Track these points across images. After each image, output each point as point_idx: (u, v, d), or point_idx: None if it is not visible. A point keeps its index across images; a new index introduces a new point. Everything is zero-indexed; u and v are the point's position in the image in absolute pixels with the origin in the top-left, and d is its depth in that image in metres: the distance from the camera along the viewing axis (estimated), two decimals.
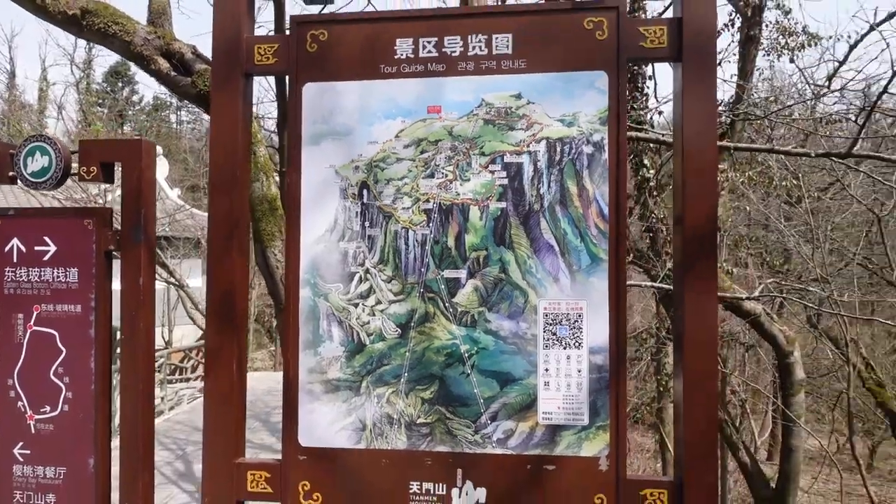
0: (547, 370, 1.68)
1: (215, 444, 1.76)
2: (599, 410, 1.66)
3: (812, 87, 6.35)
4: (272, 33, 3.32)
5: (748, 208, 7.89)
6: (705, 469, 1.62)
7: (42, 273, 1.84)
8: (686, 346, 1.65)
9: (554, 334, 1.68)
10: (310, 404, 1.75)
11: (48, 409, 1.83)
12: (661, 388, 6.92)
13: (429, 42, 1.76)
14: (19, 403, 1.83)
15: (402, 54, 1.77)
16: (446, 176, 1.74)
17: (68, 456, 1.81)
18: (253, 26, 1.89)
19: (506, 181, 1.72)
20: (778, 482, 5.52)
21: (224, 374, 1.77)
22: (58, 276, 1.83)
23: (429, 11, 1.81)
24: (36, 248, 1.84)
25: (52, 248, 1.84)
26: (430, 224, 1.74)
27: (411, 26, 1.78)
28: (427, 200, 1.74)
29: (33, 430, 1.83)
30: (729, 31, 6.91)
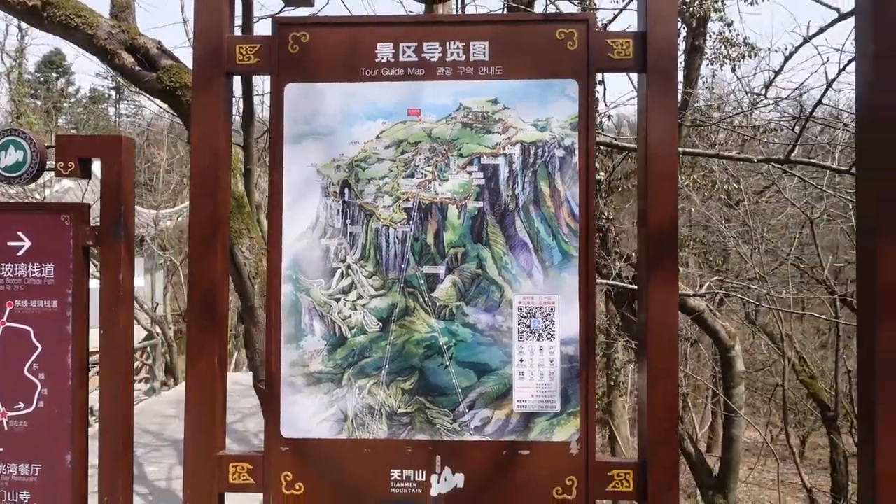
0: (521, 361, 1.77)
1: (197, 438, 1.79)
2: (570, 398, 1.77)
3: (750, 95, 6.70)
4: (239, 30, 3.31)
5: (692, 210, 8.24)
6: (667, 451, 1.75)
7: (15, 269, 1.82)
8: (650, 338, 1.76)
9: (528, 327, 1.78)
10: (292, 397, 1.80)
11: (22, 405, 1.81)
12: (612, 383, 7.18)
13: (409, 47, 1.83)
14: None
15: (382, 58, 1.83)
16: (426, 176, 1.81)
17: (44, 453, 1.80)
18: (233, 27, 1.92)
19: (483, 182, 1.81)
20: (720, 470, 5.82)
21: (206, 370, 1.80)
22: (32, 272, 1.82)
23: (409, 17, 1.88)
24: (9, 243, 1.82)
25: (27, 244, 1.82)
26: (410, 222, 1.81)
27: (392, 31, 1.84)
28: (407, 199, 1.81)
29: (6, 427, 1.81)
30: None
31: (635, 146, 5.02)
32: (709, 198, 8.77)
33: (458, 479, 1.76)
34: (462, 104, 1.82)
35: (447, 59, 1.83)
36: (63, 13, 2.81)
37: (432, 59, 1.83)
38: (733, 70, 6.97)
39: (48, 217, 1.82)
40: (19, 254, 1.82)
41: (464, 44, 1.83)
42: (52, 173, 1.86)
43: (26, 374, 1.81)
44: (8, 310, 1.81)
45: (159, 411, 9.75)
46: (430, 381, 1.78)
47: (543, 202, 1.80)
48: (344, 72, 1.83)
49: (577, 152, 1.81)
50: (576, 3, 4.72)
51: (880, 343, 1.69)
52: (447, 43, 1.83)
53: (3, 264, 1.82)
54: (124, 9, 2.96)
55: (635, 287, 5.32)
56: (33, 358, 1.81)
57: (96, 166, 1.86)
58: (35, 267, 1.82)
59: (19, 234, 1.82)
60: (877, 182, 1.73)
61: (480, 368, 1.78)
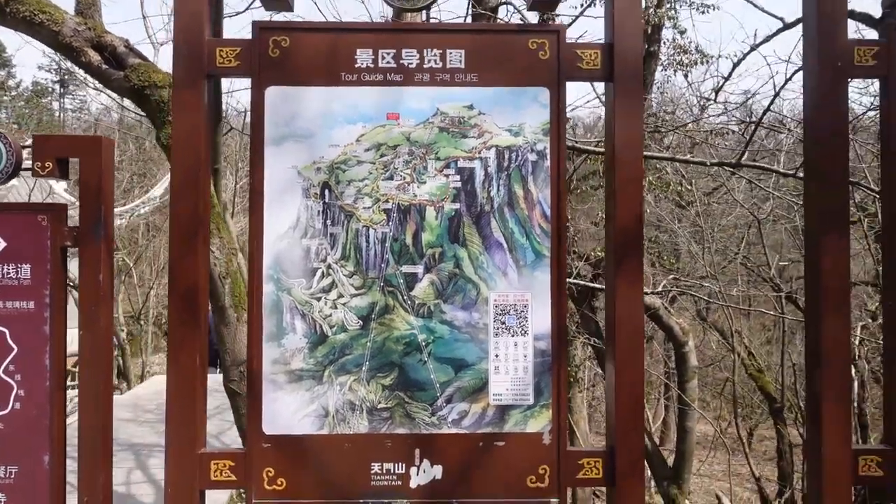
0: (497, 356, 1.85)
1: (178, 435, 1.81)
2: (543, 391, 1.86)
3: (700, 99, 6.97)
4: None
5: (647, 210, 8.50)
6: (633, 439, 1.85)
7: None
8: (617, 333, 1.87)
9: (503, 323, 1.86)
10: (273, 394, 1.84)
11: None
12: (571, 379, 7.36)
13: (387, 53, 1.89)
14: None
15: (362, 63, 1.89)
16: (404, 178, 1.88)
17: (21, 454, 1.79)
18: (212, 29, 1.94)
19: (459, 184, 1.88)
20: (675, 461, 6.04)
21: (187, 367, 1.82)
22: (8, 273, 1.81)
23: (388, 25, 1.94)
24: None
25: (1, 244, 1.81)
26: (390, 223, 1.87)
27: (371, 38, 1.90)
28: (386, 201, 1.87)
29: None
30: None
31: (593, 149, 5.18)
32: (661, 198, 9.05)
33: (437, 471, 1.83)
34: (439, 109, 1.89)
35: (425, 66, 1.89)
36: (27, 9, 2.75)
37: (410, 66, 1.89)
38: (686, 76, 7.23)
39: (24, 217, 1.81)
40: None
41: (441, 51, 1.89)
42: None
43: (1, 375, 1.80)
44: None
45: (114, 415, 9.49)
46: (409, 376, 1.84)
47: (517, 204, 1.89)
48: (324, 76, 1.88)
49: (548, 157, 1.89)
50: (536, 11, 4.82)
51: (825, 343, 1.83)
52: (425, 50, 1.89)
53: None
54: (90, 6, 2.92)
55: (594, 286, 5.48)
56: (9, 359, 1.80)
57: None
58: (10, 267, 1.80)
59: None
60: (818, 197, 1.88)
61: (458, 364, 1.85)
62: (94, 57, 2.87)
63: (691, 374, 5.92)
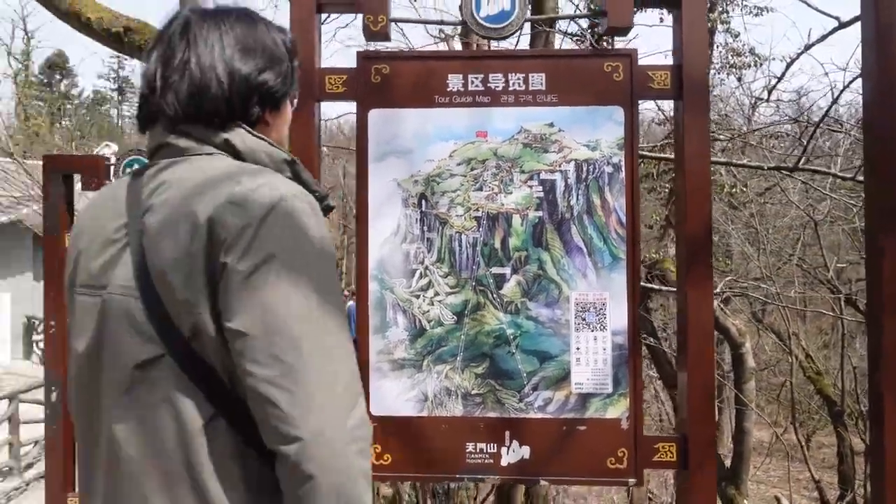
0: (578, 349, 2.05)
1: None
2: (620, 381, 2.05)
3: (752, 99, 7.00)
4: None
5: None
6: (705, 427, 2.02)
7: None
8: (689, 332, 2.03)
9: (583, 319, 2.06)
10: (379, 381, 2.08)
11: None
12: None
13: (476, 78, 2.11)
14: None
15: (453, 87, 2.12)
16: (493, 189, 2.10)
17: None
18: (321, 58, 2.20)
19: (542, 194, 2.09)
20: (732, 462, 6.09)
21: None
22: None
23: (475, 53, 2.17)
24: None
25: None
26: (480, 229, 2.09)
27: (460, 64, 2.13)
28: (477, 209, 2.09)
29: None
30: None
31: (648, 154, 5.31)
32: (714, 200, 9.04)
33: (525, 451, 2.04)
34: (523, 127, 2.10)
35: (510, 89, 2.11)
36: (140, 38, 3.09)
37: (497, 89, 2.11)
38: (739, 79, 7.26)
39: None
40: None
41: (524, 75, 2.11)
42: None
43: None
44: None
45: None
46: (499, 366, 2.06)
47: (595, 212, 2.08)
48: (420, 99, 2.12)
49: (623, 169, 2.09)
50: (587, 28, 5.00)
51: (886, 345, 1.93)
52: (509, 75, 2.11)
53: None
54: None
55: (650, 286, 5.60)
56: None
57: None
58: None
59: None
60: (878, 195, 2.00)
61: (542, 355, 2.06)
62: None
63: (748, 375, 5.96)
